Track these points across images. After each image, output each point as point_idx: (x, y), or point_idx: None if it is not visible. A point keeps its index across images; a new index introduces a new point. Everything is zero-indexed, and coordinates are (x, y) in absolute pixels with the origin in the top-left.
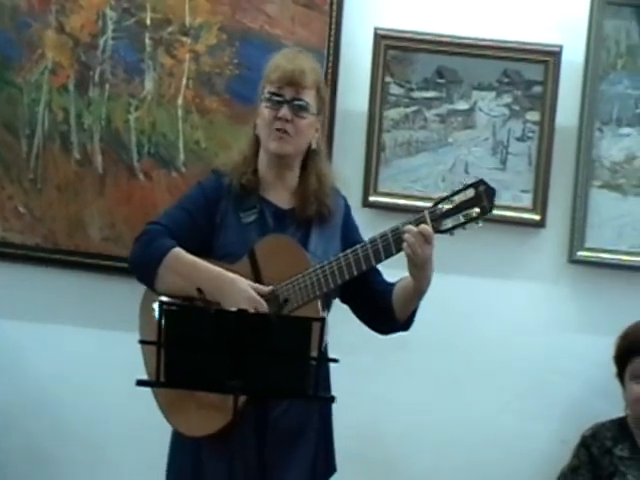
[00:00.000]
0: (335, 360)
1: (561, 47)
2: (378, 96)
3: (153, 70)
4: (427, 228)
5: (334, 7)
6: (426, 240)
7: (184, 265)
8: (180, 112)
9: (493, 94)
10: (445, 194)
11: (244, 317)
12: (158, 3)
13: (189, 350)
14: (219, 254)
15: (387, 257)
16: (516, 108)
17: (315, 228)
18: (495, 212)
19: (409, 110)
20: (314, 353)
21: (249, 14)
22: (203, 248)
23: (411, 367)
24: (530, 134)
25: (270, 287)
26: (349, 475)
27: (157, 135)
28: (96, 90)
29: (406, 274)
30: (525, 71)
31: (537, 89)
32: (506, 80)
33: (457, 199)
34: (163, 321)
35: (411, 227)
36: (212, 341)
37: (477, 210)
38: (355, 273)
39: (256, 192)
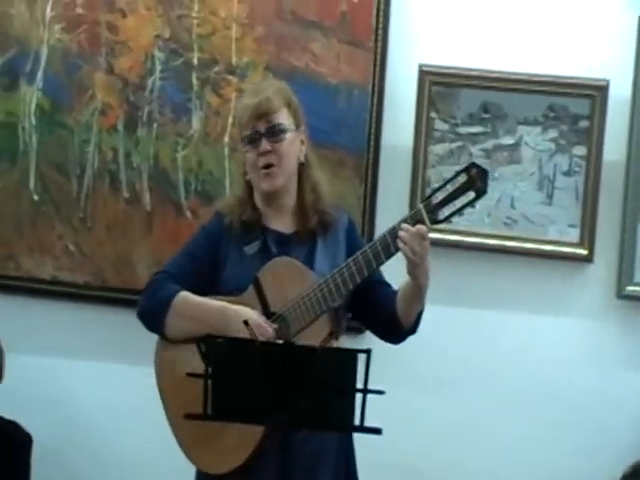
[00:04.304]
0: (381, 392)
1: (608, 82)
2: (423, 132)
3: (200, 109)
4: (421, 227)
5: (379, 44)
6: (422, 237)
7: (190, 307)
8: (226, 150)
9: (539, 129)
10: (438, 184)
11: (290, 349)
12: (205, 43)
13: (235, 383)
14: (226, 290)
15: (387, 258)
16: (562, 142)
17: (320, 244)
18: (542, 247)
19: (454, 145)
20: (359, 384)
21: (295, 53)
22: (211, 287)
23: (455, 403)
24: (577, 168)
25: (274, 325)
26: None
27: (204, 173)
28: (144, 130)
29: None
30: (571, 106)
31: (584, 124)
32: (552, 115)
33: (450, 187)
34: (209, 355)
35: (407, 226)
36: (258, 374)
37: (472, 194)
38: (359, 280)
39: (258, 223)
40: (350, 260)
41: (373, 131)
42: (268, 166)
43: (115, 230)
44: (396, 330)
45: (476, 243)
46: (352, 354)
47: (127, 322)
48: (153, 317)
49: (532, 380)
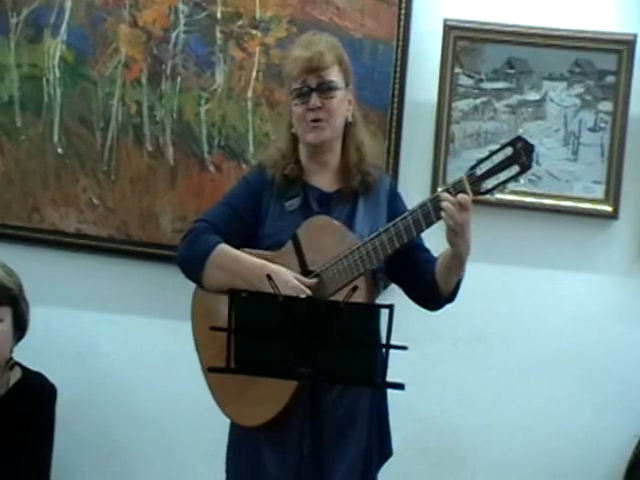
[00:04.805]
0: (404, 347)
1: (635, 36)
2: (447, 87)
3: (224, 63)
4: (464, 196)
5: None
6: (463, 207)
7: (229, 260)
8: (250, 105)
9: (564, 84)
10: (483, 155)
11: (313, 304)
12: None
13: (259, 337)
14: (266, 244)
15: (428, 226)
16: (588, 98)
17: (361, 205)
18: (567, 203)
19: (478, 101)
20: (382, 340)
21: (318, 6)
22: (250, 241)
23: (482, 358)
24: (602, 124)
25: (314, 280)
26: (417, 464)
27: (227, 128)
28: (168, 83)
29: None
30: (597, 61)
31: (610, 79)
32: (578, 70)
33: (495, 159)
34: (234, 308)
35: (448, 195)
36: (281, 328)
37: (517, 168)
38: (397, 245)
39: (300, 179)
40: (390, 225)
41: (397, 86)
42: (316, 120)
43: (139, 184)
44: (435, 297)
45: (500, 200)
46: (375, 309)
47: (150, 275)
48: (191, 267)
49: (556, 336)
